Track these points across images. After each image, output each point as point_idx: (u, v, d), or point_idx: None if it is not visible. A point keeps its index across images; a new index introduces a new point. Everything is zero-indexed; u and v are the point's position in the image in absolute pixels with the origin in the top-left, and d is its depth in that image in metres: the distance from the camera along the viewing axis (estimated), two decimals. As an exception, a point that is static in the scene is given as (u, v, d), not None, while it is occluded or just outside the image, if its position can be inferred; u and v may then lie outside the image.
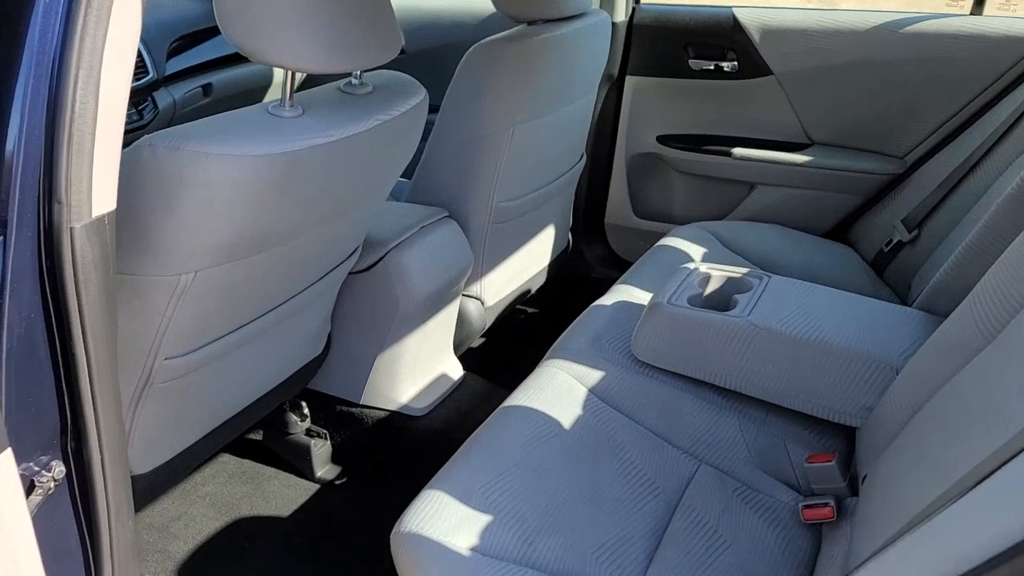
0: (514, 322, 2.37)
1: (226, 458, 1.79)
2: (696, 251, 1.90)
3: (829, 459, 1.27)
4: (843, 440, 1.38)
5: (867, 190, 2.03)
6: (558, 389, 1.39)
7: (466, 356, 2.02)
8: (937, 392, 1.13)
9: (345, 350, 1.71)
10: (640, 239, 2.34)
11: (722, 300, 1.52)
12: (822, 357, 1.30)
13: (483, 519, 1.09)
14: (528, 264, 2.05)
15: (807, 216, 2.11)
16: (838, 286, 1.88)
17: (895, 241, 1.88)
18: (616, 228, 2.37)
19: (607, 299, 1.67)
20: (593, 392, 1.40)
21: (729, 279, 1.53)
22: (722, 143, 2.16)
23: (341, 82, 1.23)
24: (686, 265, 1.56)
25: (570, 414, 1.34)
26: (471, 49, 1.67)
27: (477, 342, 2.29)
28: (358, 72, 1.22)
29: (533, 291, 2.15)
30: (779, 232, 2.04)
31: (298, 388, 1.63)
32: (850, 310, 1.39)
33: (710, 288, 1.54)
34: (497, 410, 1.35)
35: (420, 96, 1.30)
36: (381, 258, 1.61)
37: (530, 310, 2.44)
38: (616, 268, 2.41)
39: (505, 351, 2.25)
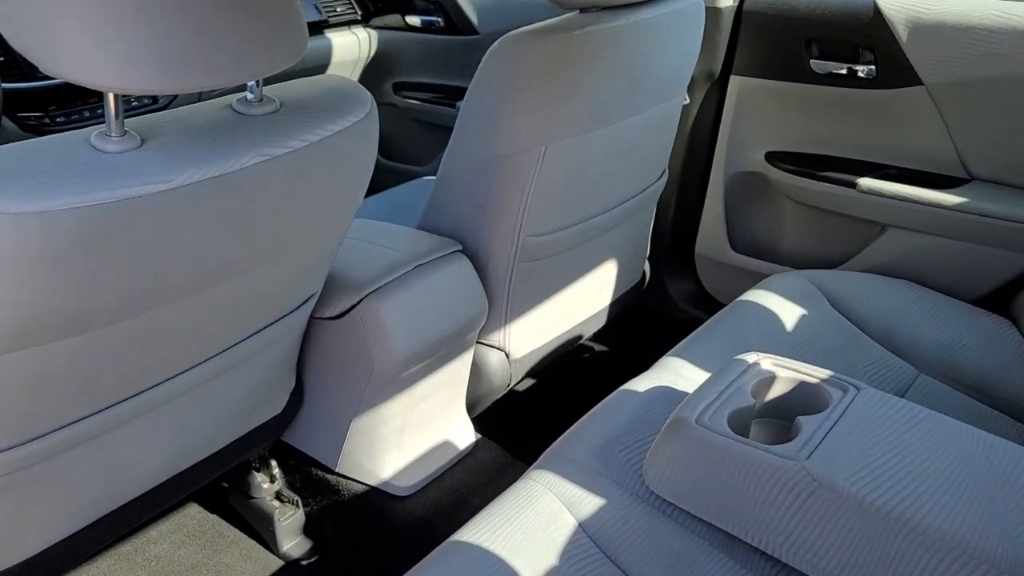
0: (573, 364, 1.99)
1: (192, 511, 1.54)
2: (790, 312, 1.46)
3: None
4: (938, 658, 0.93)
5: (1043, 249, 1.49)
6: (536, 518, 1.02)
7: (494, 410, 1.67)
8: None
9: (318, 407, 1.40)
10: (736, 278, 1.89)
11: (786, 413, 1.09)
12: (910, 541, 0.86)
13: None
14: (576, 307, 1.66)
15: (954, 275, 1.59)
16: (981, 372, 1.38)
17: (1075, 328, 1.35)
18: (708, 262, 1.93)
19: (644, 380, 1.27)
20: (584, 528, 1.02)
21: (801, 384, 1.09)
22: (848, 168, 1.67)
23: (234, 96, 0.90)
24: (742, 356, 1.13)
25: (541, 561, 0.97)
26: (494, 45, 1.29)
27: (524, 384, 1.93)
28: (254, 83, 0.88)
29: (586, 336, 1.76)
30: (912, 292, 1.55)
31: (253, 452, 1.34)
32: (975, 462, 0.93)
33: (773, 393, 1.10)
34: (446, 543, 1.00)
35: (359, 113, 0.95)
36: (354, 305, 1.28)
37: (597, 348, 2.05)
38: (705, 309, 1.97)
39: (550, 402, 1.88)
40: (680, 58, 1.50)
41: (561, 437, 1.18)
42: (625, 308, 1.84)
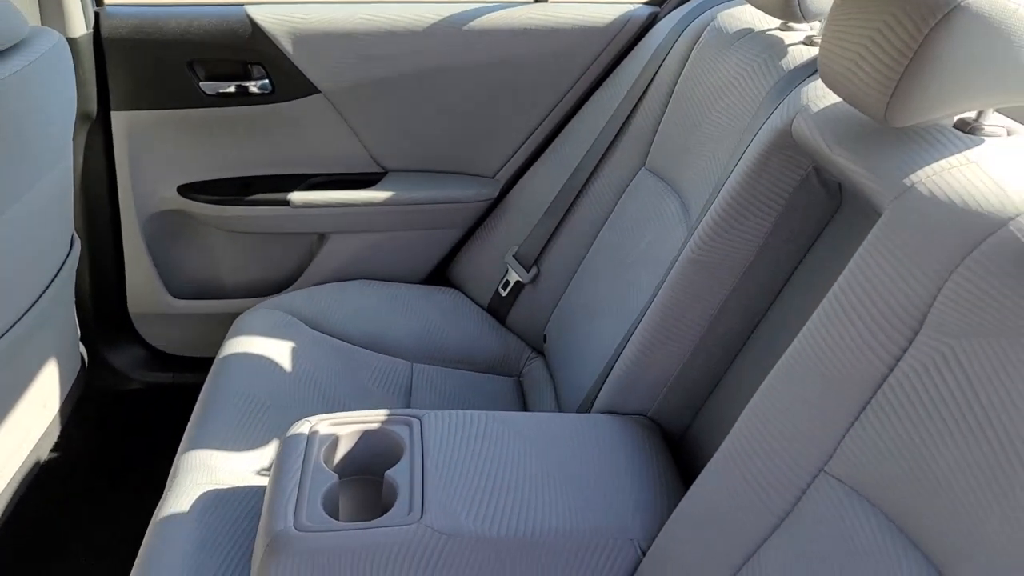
0: (13, 521, 1.57)
1: None
2: (279, 350, 1.38)
3: None
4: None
5: (463, 221, 1.67)
6: None
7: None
8: (724, 592, 0.80)
9: None
10: (185, 326, 1.71)
11: (366, 464, 1.03)
12: (539, 553, 0.90)
13: None
14: (24, 433, 1.31)
15: (399, 263, 1.69)
16: (460, 346, 1.52)
17: (513, 282, 1.56)
18: (147, 318, 1.70)
19: (177, 498, 1.07)
20: None
21: (365, 433, 1.04)
22: (273, 187, 1.61)
23: None
24: (298, 430, 1.02)
25: None
26: None
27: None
28: None
29: (43, 459, 1.42)
30: (372, 290, 1.60)
31: None
32: (542, 447, 1.01)
33: (342, 452, 1.03)
34: None
35: None
36: None
37: (59, 461, 1.66)
38: (160, 369, 1.75)
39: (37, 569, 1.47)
40: (61, 110, 1.25)
41: None
42: (75, 404, 1.52)
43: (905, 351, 0.69)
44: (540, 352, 1.54)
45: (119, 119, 1.54)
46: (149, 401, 1.75)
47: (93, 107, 1.50)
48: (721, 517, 0.81)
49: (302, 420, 1.04)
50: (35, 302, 1.27)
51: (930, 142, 0.77)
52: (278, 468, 0.97)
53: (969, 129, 0.79)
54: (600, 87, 1.56)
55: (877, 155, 0.79)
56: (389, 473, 0.96)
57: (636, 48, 1.52)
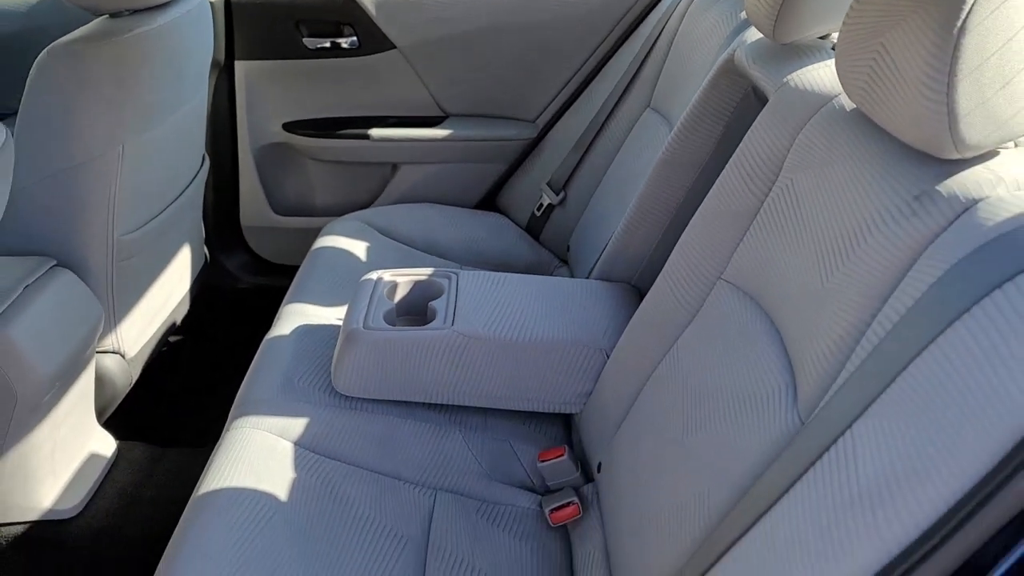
0: (157, 360, 2.03)
1: None
2: (358, 247, 1.76)
3: (560, 454, 1.25)
4: (562, 426, 1.37)
5: (508, 157, 2.04)
6: (259, 452, 1.18)
7: (114, 419, 1.66)
8: (655, 371, 1.14)
9: (-51, 466, 1.29)
10: (285, 238, 2.13)
11: (416, 306, 1.41)
12: (534, 353, 1.26)
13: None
14: (169, 295, 1.74)
15: (455, 190, 2.07)
16: (500, 255, 1.87)
17: (545, 205, 1.91)
18: (255, 230, 2.12)
19: (282, 327, 1.46)
20: (301, 445, 1.21)
21: (416, 283, 1.41)
22: (357, 125, 2.01)
23: None
24: (368, 276, 1.41)
25: (283, 480, 1.14)
26: (43, 55, 1.31)
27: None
28: None
29: (178, 322, 1.85)
30: (433, 211, 1.98)
31: None
32: (544, 295, 1.37)
33: (399, 295, 1.41)
34: (192, 502, 1.10)
35: None
36: (-23, 341, 1.22)
37: (172, 339, 2.11)
38: (263, 274, 2.17)
39: (156, 398, 1.91)
40: (204, 51, 1.66)
41: (239, 393, 1.32)
42: (200, 290, 1.95)
43: (771, 188, 1.02)
44: (565, 261, 1.89)
45: (240, 67, 1.96)
46: (253, 299, 2.17)
47: (222, 56, 1.92)
48: (652, 321, 1.15)
49: (371, 271, 1.42)
50: (173, 201, 1.69)
51: (808, 55, 1.10)
52: (353, 298, 1.36)
53: (840, 48, 1.11)
54: (623, 44, 1.90)
55: (773, 65, 1.12)
56: (431, 302, 1.34)
57: (653, 11, 1.86)
